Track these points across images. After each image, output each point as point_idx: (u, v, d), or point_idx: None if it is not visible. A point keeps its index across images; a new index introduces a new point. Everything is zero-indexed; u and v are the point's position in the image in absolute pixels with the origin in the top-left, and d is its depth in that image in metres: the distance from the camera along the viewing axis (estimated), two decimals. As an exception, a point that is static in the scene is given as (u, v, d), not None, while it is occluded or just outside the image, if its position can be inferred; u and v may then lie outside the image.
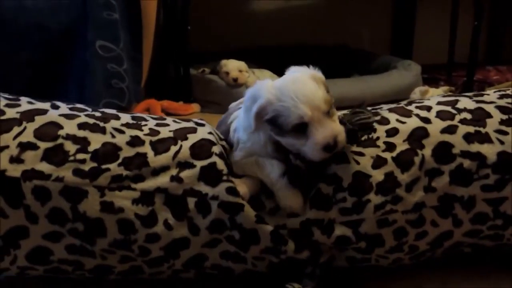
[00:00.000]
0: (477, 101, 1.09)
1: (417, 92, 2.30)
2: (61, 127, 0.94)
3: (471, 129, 1.03)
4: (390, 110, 1.09)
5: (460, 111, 1.06)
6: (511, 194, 1.01)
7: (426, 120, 1.04)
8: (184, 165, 0.95)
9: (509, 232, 1.06)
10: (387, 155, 1.00)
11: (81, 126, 0.96)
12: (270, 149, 0.99)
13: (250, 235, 0.95)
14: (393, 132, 1.03)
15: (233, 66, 2.38)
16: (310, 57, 3.02)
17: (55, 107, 1.00)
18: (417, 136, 1.02)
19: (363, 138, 1.02)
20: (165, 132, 1.00)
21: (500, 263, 1.12)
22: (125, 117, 1.03)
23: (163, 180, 0.94)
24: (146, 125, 1.02)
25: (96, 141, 0.94)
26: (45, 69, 1.77)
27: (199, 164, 0.96)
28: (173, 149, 0.97)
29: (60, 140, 0.92)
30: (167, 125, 1.03)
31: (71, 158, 0.91)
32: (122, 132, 0.98)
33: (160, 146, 0.97)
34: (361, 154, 1.00)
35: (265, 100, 0.92)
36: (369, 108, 1.11)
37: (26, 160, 0.90)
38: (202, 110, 2.42)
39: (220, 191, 0.94)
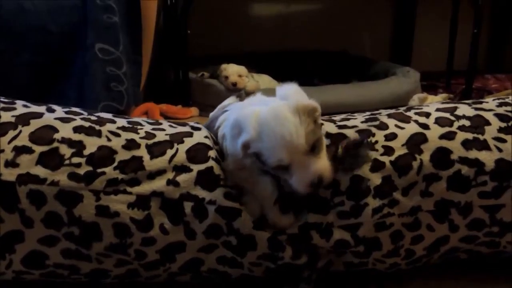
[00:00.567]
0: (476, 109, 1.09)
1: (416, 99, 2.30)
2: (56, 131, 0.94)
3: (469, 135, 1.03)
4: (389, 115, 1.09)
5: (458, 118, 1.06)
6: (509, 202, 1.01)
7: (425, 126, 1.04)
8: (180, 169, 0.95)
9: (505, 240, 1.05)
10: (385, 159, 0.99)
11: (77, 129, 0.96)
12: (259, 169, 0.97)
13: (247, 241, 0.95)
14: (391, 136, 1.02)
15: (232, 71, 2.38)
16: (309, 63, 3.08)
17: (51, 111, 1.00)
18: (416, 141, 1.01)
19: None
20: (161, 136, 1.00)
21: (497, 270, 1.12)
22: (121, 121, 1.03)
23: (159, 184, 0.93)
24: (142, 128, 1.01)
25: (91, 144, 0.94)
26: (45, 71, 1.76)
27: (195, 168, 0.95)
28: (169, 152, 0.96)
29: (55, 144, 0.92)
30: (163, 129, 1.03)
31: (67, 162, 0.91)
32: (118, 135, 0.97)
33: (156, 150, 0.96)
34: None
35: (249, 137, 0.89)
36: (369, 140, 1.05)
37: (21, 164, 0.89)
38: (201, 114, 2.42)
39: (217, 196, 0.94)
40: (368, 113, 1.14)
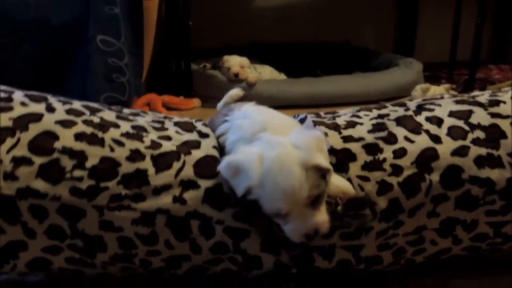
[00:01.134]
0: (492, 115, 1.02)
1: (419, 90, 2.29)
2: (56, 138, 0.89)
3: (483, 151, 0.97)
4: (398, 122, 1.02)
5: (473, 128, 1.00)
6: None
7: (437, 139, 0.98)
8: (187, 185, 0.91)
9: (507, 246, 1.04)
10: (393, 180, 0.94)
11: (78, 137, 0.91)
12: None
13: (253, 261, 0.93)
14: (401, 153, 0.97)
15: (234, 62, 2.36)
16: (312, 54, 3.06)
17: (51, 110, 0.94)
18: (426, 158, 0.96)
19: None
20: (167, 146, 0.95)
21: (500, 263, 1.12)
22: (125, 126, 0.98)
23: (165, 200, 0.89)
24: (147, 136, 0.97)
25: (93, 155, 0.89)
26: (47, 64, 1.75)
27: (203, 184, 0.91)
28: (176, 166, 0.92)
29: (56, 155, 0.87)
30: (169, 138, 0.98)
31: (68, 175, 0.87)
32: (121, 144, 0.93)
33: (161, 162, 0.92)
34: (366, 178, 0.94)
35: (251, 183, 0.83)
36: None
37: (20, 177, 0.85)
38: (203, 105, 2.41)
39: (226, 216, 0.90)
40: (375, 112, 1.07)
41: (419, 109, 1.06)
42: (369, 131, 1.01)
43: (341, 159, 0.96)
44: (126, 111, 1.07)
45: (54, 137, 0.90)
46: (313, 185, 0.83)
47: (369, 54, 3.03)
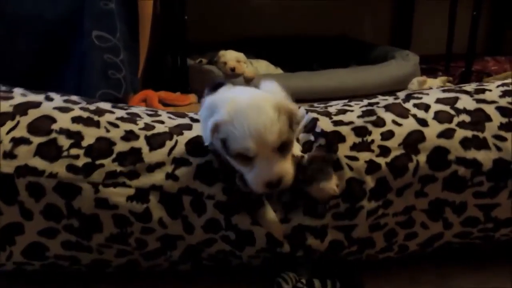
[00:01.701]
0: (478, 100, 1.05)
1: (415, 83, 2.30)
2: (54, 121, 0.93)
3: (468, 133, 0.99)
4: (387, 108, 1.05)
5: (459, 112, 1.03)
6: (504, 201, 1.00)
7: (423, 122, 1.01)
8: (179, 162, 0.94)
9: (499, 233, 1.05)
10: (381, 160, 0.97)
11: (75, 119, 0.95)
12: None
13: (245, 236, 0.94)
14: (388, 135, 0.99)
15: (231, 56, 2.38)
16: (308, 48, 3.06)
17: (49, 99, 0.99)
18: (413, 140, 0.98)
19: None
20: (160, 127, 0.99)
21: (494, 254, 1.13)
22: (120, 112, 1.02)
23: (158, 177, 0.92)
24: (141, 120, 1.01)
25: (90, 135, 0.93)
26: (42, 59, 1.75)
27: (195, 161, 0.94)
28: (169, 144, 0.95)
29: (53, 135, 0.91)
30: (162, 121, 1.02)
31: (65, 153, 0.90)
32: (116, 126, 0.97)
33: (155, 141, 0.95)
34: (355, 158, 0.97)
35: (221, 118, 0.85)
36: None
37: (19, 155, 0.89)
38: (200, 101, 2.39)
39: (216, 191, 0.93)
40: (366, 101, 1.10)
41: (408, 97, 1.10)
42: (358, 116, 1.04)
43: (331, 140, 0.99)
44: (120, 104, 1.11)
45: (52, 120, 0.94)
46: (283, 129, 0.84)
47: (366, 47, 3.04)
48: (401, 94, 1.13)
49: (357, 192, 0.96)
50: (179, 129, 0.99)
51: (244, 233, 0.94)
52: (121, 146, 0.93)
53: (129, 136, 0.95)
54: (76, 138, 0.92)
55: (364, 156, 0.97)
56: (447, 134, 0.99)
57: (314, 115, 1.04)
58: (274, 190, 0.87)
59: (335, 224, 0.97)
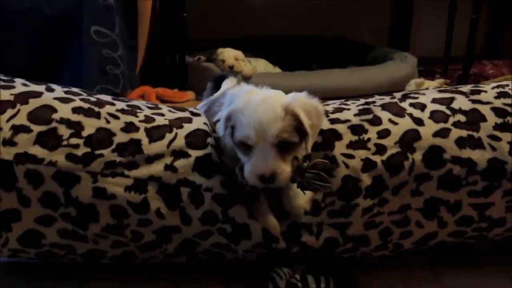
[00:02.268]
0: (473, 101, 1.06)
1: (413, 84, 2.31)
2: (55, 111, 0.94)
3: (464, 133, 1.00)
4: (383, 107, 1.06)
5: (454, 112, 1.04)
6: (498, 200, 1.01)
7: (419, 122, 1.02)
8: (178, 154, 0.94)
9: (493, 233, 1.06)
10: (377, 158, 0.98)
11: (76, 110, 0.95)
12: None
13: (242, 230, 0.95)
14: (384, 133, 1.00)
15: (229, 54, 2.38)
16: (307, 48, 3.07)
17: (50, 90, 0.99)
18: (409, 139, 0.99)
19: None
20: (160, 120, 0.99)
21: (488, 253, 1.14)
22: (120, 104, 1.02)
23: (157, 168, 0.93)
24: (141, 112, 1.01)
25: (90, 126, 0.94)
26: (40, 54, 1.74)
27: (194, 154, 0.95)
28: (168, 137, 0.96)
29: (53, 124, 0.92)
30: (162, 114, 1.02)
31: (65, 142, 0.91)
32: (117, 117, 0.97)
33: (154, 133, 0.96)
34: (351, 156, 0.98)
35: (234, 107, 0.90)
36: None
37: (19, 143, 0.89)
38: (198, 98, 2.41)
39: (214, 184, 0.93)
40: (362, 101, 1.11)
41: (404, 97, 1.11)
42: (355, 115, 1.05)
43: (327, 138, 1.00)
44: (121, 97, 1.12)
45: (53, 109, 0.94)
46: (285, 128, 0.87)
47: (364, 48, 3.05)
48: (398, 94, 1.14)
49: (353, 190, 0.97)
50: (179, 122, 1.00)
51: (240, 226, 0.94)
52: (121, 137, 0.94)
53: (129, 127, 0.95)
54: (76, 128, 0.92)
55: (360, 154, 0.98)
56: (442, 133, 1.00)
57: None
58: (268, 186, 0.88)
59: (330, 222, 0.98)
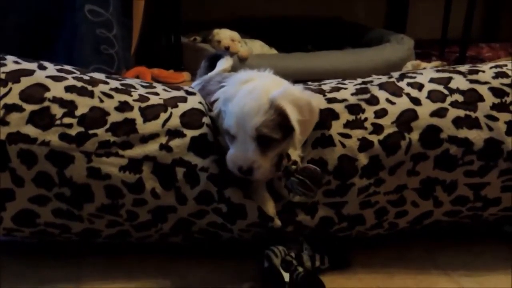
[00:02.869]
0: (471, 81, 1.05)
1: (409, 66, 2.31)
2: (47, 89, 0.92)
3: (461, 113, 1.00)
4: (381, 86, 1.05)
5: (452, 92, 1.03)
6: (494, 180, 1.01)
7: (417, 101, 1.01)
8: (174, 134, 0.94)
9: (488, 213, 1.07)
10: (374, 138, 0.98)
11: (69, 89, 0.94)
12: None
13: (237, 210, 0.95)
14: (382, 113, 1.00)
15: (225, 35, 2.36)
16: (303, 29, 3.04)
17: (42, 68, 0.98)
18: (406, 119, 0.99)
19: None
20: (155, 99, 0.98)
21: (482, 231, 1.15)
22: (114, 83, 1.01)
23: (152, 148, 0.92)
24: (135, 91, 1.00)
25: (83, 105, 0.92)
26: (33, 33, 1.73)
27: (189, 133, 0.94)
28: (163, 116, 0.95)
29: (46, 103, 0.90)
30: (157, 93, 1.01)
31: (58, 122, 0.90)
32: (110, 96, 0.96)
33: (149, 113, 0.95)
34: (348, 136, 0.98)
35: (228, 94, 0.90)
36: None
37: (11, 122, 0.88)
38: (193, 79, 2.38)
39: (210, 163, 0.93)
40: (360, 80, 1.11)
41: (402, 76, 1.10)
42: (352, 94, 1.04)
43: (324, 118, 0.99)
44: (115, 76, 1.10)
45: (45, 88, 0.93)
46: (266, 123, 0.85)
47: (360, 30, 3.03)
48: (395, 74, 1.13)
49: (349, 170, 0.97)
50: (174, 101, 0.99)
51: (236, 206, 0.94)
52: (115, 117, 0.93)
53: (123, 106, 0.94)
54: (69, 107, 0.91)
55: (357, 133, 0.98)
56: (440, 113, 1.00)
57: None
58: (246, 178, 0.89)
59: (326, 201, 0.98)
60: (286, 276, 0.93)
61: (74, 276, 0.96)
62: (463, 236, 1.13)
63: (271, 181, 0.96)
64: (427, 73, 1.10)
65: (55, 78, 0.95)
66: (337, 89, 1.06)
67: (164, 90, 1.04)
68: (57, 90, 0.93)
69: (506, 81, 1.05)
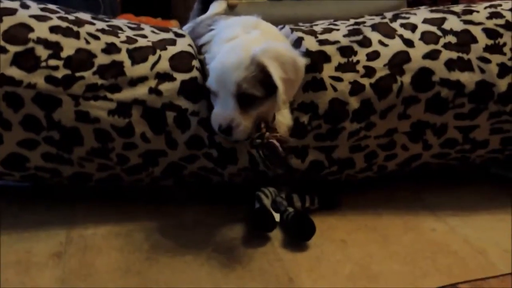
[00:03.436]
0: (465, 21, 1.04)
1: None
2: (31, 30, 0.89)
3: (454, 55, 0.99)
4: (374, 28, 1.03)
5: (445, 33, 1.02)
6: (483, 123, 1.01)
7: (409, 43, 1.00)
8: (163, 77, 0.92)
9: (475, 155, 1.08)
10: (366, 81, 0.97)
11: (53, 29, 0.91)
12: None
13: (228, 155, 0.94)
14: (374, 55, 0.98)
15: (214, -18, 2.30)
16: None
17: (25, 7, 0.94)
18: (399, 61, 0.98)
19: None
20: (143, 41, 0.96)
21: (469, 172, 1.18)
22: (101, 24, 0.98)
23: (141, 91, 0.90)
24: (122, 33, 0.97)
25: (69, 46, 0.90)
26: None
27: (179, 77, 0.92)
28: (152, 59, 0.93)
29: (31, 44, 0.88)
30: (145, 36, 0.98)
31: (43, 64, 0.87)
32: (97, 38, 0.93)
33: (137, 55, 0.92)
34: (339, 79, 0.96)
35: (213, 53, 0.88)
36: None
37: None
38: (182, 28, 2.36)
39: (200, 108, 0.92)
40: (352, 21, 1.08)
41: (395, 17, 1.08)
42: (344, 35, 1.02)
43: (315, 61, 0.97)
44: (101, 16, 1.06)
45: (29, 29, 0.90)
46: (248, 78, 0.82)
47: (353, -23, 2.97)
48: (389, 14, 1.11)
49: (340, 113, 0.96)
50: (162, 44, 0.96)
51: (227, 151, 0.94)
52: (102, 59, 0.91)
53: (111, 48, 0.92)
54: (54, 48, 0.89)
55: (349, 77, 0.97)
56: (432, 55, 0.99)
57: (299, 34, 1.02)
58: (227, 138, 0.88)
59: (316, 145, 0.98)
60: (277, 217, 0.95)
61: (68, 219, 0.97)
62: (451, 178, 1.16)
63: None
64: (421, 13, 1.08)
65: (39, 18, 0.92)
66: (329, 30, 1.04)
67: (153, 32, 1.01)
68: (41, 30, 0.90)
69: (500, 21, 1.04)
